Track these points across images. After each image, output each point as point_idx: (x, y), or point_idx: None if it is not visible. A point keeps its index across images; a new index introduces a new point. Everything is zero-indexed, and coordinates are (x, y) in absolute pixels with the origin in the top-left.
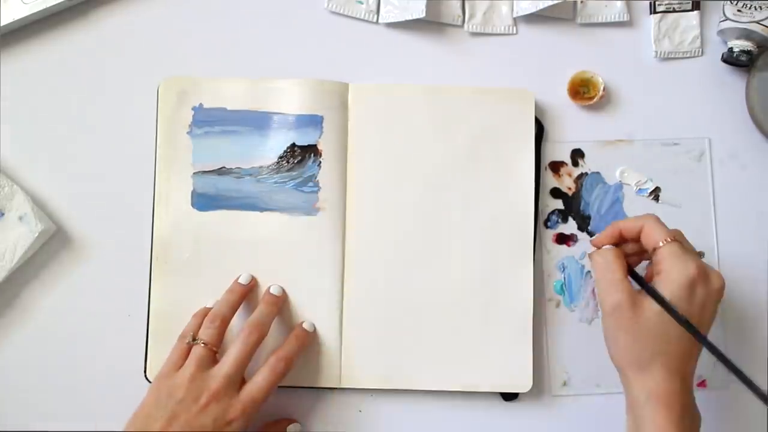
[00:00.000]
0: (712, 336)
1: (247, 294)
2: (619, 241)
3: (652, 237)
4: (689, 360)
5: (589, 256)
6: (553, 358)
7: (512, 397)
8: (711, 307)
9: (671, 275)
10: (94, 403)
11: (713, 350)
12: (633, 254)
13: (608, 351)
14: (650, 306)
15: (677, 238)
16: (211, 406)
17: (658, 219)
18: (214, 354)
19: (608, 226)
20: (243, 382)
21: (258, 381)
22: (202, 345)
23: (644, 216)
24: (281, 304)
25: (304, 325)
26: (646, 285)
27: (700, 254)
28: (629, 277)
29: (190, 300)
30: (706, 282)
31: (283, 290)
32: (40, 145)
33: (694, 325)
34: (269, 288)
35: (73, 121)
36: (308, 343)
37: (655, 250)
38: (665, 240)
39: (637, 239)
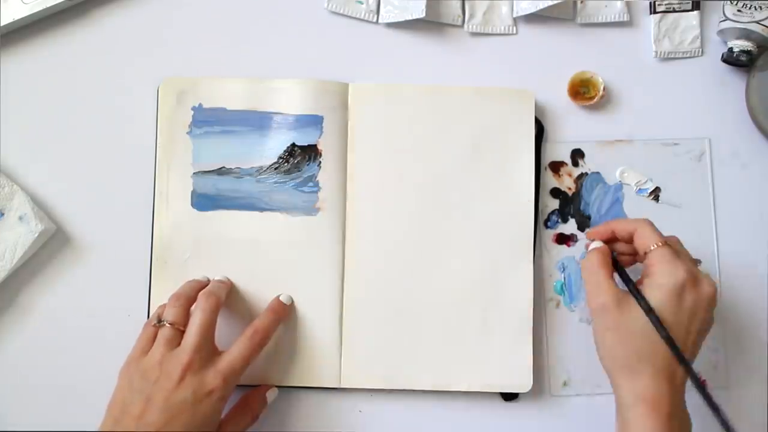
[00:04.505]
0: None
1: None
2: (612, 240)
3: (644, 240)
4: (678, 363)
5: (586, 258)
6: (553, 358)
7: (512, 397)
8: (701, 314)
9: (659, 279)
10: (94, 403)
11: (686, 366)
12: (626, 254)
13: (597, 353)
14: (637, 307)
15: (669, 243)
16: (187, 379)
17: (651, 223)
18: (181, 333)
19: (602, 224)
20: (217, 353)
21: (235, 350)
22: (168, 325)
23: (639, 219)
24: (228, 289)
25: (281, 298)
26: (631, 287)
27: (697, 262)
28: (617, 276)
29: None
30: (696, 288)
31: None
32: (40, 145)
33: (675, 337)
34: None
35: (73, 121)
36: (284, 315)
37: (646, 254)
38: (657, 244)
39: (630, 241)
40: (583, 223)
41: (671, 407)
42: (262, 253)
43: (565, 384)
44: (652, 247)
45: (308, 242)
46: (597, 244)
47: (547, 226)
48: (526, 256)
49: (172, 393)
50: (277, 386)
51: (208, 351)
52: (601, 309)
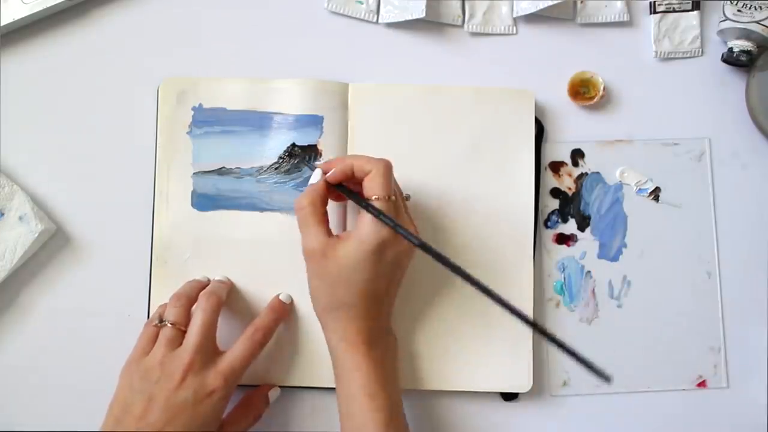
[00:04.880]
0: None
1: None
2: (350, 177)
3: (370, 185)
4: (379, 302)
5: (297, 200)
6: (553, 358)
7: (512, 397)
8: (404, 263)
9: (364, 231)
10: (94, 403)
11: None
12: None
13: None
14: (340, 255)
15: (390, 199)
16: (188, 380)
17: (386, 170)
18: (182, 333)
19: (342, 158)
20: (219, 353)
21: (236, 350)
22: (170, 325)
23: (377, 161)
24: (229, 289)
25: (281, 297)
26: (364, 204)
27: (407, 197)
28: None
29: None
30: (397, 244)
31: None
32: (40, 145)
33: (377, 287)
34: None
35: (73, 121)
36: (285, 314)
37: (368, 199)
38: (376, 197)
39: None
40: (583, 223)
41: (370, 339)
42: (262, 253)
43: (564, 384)
44: (373, 197)
45: None
46: (316, 177)
47: (547, 226)
48: (526, 256)
49: (174, 393)
50: (281, 387)
51: (209, 351)
52: (309, 255)
